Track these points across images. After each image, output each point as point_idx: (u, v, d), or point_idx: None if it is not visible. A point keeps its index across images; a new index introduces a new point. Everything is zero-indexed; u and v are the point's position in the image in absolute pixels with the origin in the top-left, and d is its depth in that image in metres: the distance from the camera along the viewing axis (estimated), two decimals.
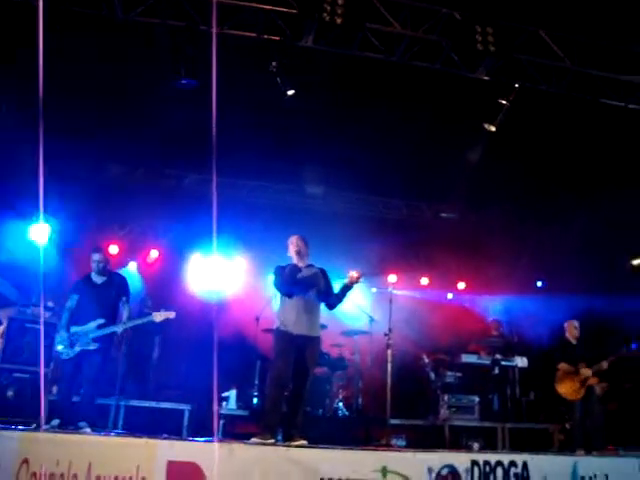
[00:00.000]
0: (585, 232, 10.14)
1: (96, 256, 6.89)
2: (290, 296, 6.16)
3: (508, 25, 7.43)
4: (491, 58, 7.41)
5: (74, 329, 6.62)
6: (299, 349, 6.04)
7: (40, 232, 10.12)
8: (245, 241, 11.69)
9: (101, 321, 6.62)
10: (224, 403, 8.71)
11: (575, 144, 8.69)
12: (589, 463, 6.27)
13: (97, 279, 6.93)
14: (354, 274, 6.17)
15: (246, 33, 7.51)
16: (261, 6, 7.35)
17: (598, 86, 7.97)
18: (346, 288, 6.30)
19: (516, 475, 5.81)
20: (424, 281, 12.57)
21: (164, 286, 11.14)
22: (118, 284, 6.99)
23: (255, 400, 9.01)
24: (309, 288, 6.21)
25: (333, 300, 6.36)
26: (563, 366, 8.14)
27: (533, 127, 8.61)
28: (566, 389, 8.09)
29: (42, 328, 7.48)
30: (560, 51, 7.69)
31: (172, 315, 6.97)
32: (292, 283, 6.17)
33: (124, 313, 6.85)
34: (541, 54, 7.75)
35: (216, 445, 5.38)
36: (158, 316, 6.89)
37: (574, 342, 8.31)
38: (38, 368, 7.98)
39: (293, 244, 6.41)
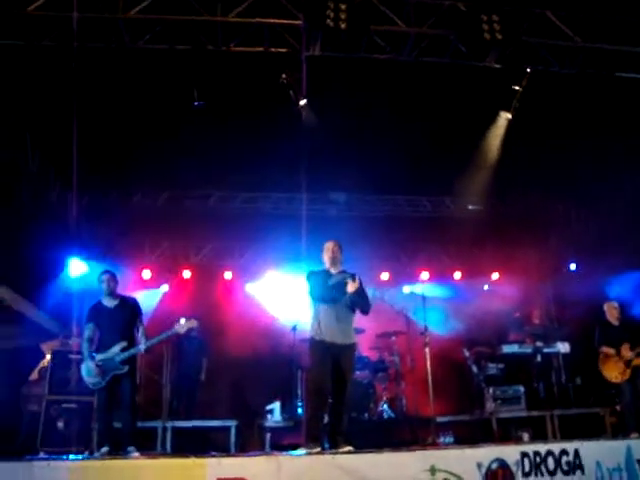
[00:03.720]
0: (614, 211, 9.94)
1: (104, 276, 6.84)
2: (322, 302, 6.15)
3: (513, 10, 7.34)
4: (499, 45, 7.33)
5: (99, 357, 6.59)
6: (335, 357, 6.01)
7: (77, 265, 10.40)
8: (275, 252, 11.79)
9: (124, 343, 6.60)
10: (269, 416, 8.76)
11: (596, 123, 8.54)
12: None
13: (109, 303, 6.84)
14: (351, 286, 6.10)
15: (253, 49, 7.59)
16: (265, 20, 7.41)
17: (612, 60, 7.83)
18: (358, 295, 6.21)
19: (568, 463, 5.72)
20: (457, 275, 12.46)
21: (200, 305, 11.24)
22: (131, 306, 6.93)
23: (299, 410, 9.05)
24: (341, 295, 6.15)
25: (359, 306, 6.29)
26: (604, 349, 7.99)
27: (551, 110, 8.50)
28: (611, 372, 7.93)
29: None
30: (569, 30, 7.57)
31: (195, 324, 6.94)
32: (324, 289, 6.15)
33: (139, 334, 6.78)
34: (550, 35, 7.63)
35: (263, 459, 5.44)
36: (181, 327, 6.84)
37: (616, 323, 8.14)
38: (85, 397, 8.20)
39: (328, 250, 6.33)
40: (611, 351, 7.92)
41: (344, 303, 6.15)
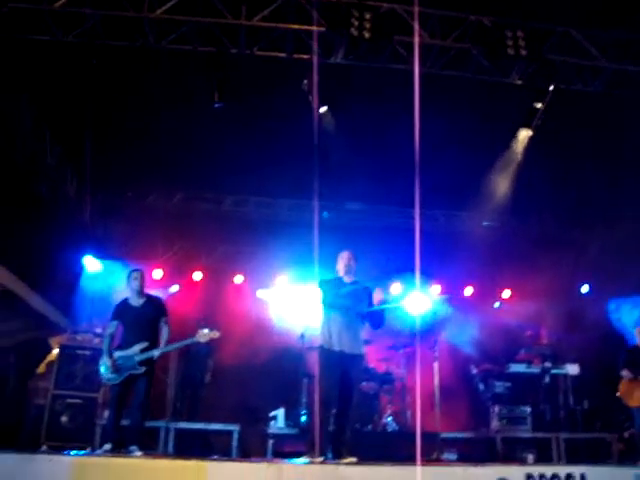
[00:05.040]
0: (630, 234, 9.83)
1: (135, 274, 6.86)
2: (334, 310, 6.11)
3: (538, 27, 7.32)
4: (523, 62, 7.31)
5: (118, 354, 6.59)
6: (343, 367, 5.97)
7: (91, 262, 10.47)
8: (287, 259, 11.77)
9: (145, 344, 6.58)
10: (272, 422, 8.71)
11: (613, 143, 8.46)
12: None
13: (135, 302, 6.85)
14: (378, 295, 6.10)
15: (276, 54, 7.61)
16: (290, 26, 7.42)
17: (636, 81, 7.75)
18: (377, 311, 6.19)
19: None
20: (468, 291, 12.37)
21: (209, 307, 11.23)
22: (157, 305, 6.93)
23: (303, 418, 8.98)
24: (352, 304, 6.13)
25: (374, 321, 6.25)
26: (626, 373, 7.91)
27: (572, 129, 8.43)
28: (630, 396, 7.85)
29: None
30: (594, 49, 7.52)
31: (217, 335, 6.85)
32: (336, 297, 6.13)
33: (164, 334, 6.76)
34: (574, 54, 7.59)
35: (265, 465, 5.40)
36: (202, 337, 6.78)
37: None
38: (90, 393, 8.21)
39: (343, 259, 6.32)
40: (631, 375, 7.84)
41: (354, 313, 6.11)
